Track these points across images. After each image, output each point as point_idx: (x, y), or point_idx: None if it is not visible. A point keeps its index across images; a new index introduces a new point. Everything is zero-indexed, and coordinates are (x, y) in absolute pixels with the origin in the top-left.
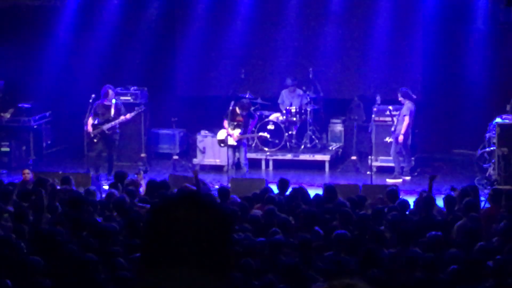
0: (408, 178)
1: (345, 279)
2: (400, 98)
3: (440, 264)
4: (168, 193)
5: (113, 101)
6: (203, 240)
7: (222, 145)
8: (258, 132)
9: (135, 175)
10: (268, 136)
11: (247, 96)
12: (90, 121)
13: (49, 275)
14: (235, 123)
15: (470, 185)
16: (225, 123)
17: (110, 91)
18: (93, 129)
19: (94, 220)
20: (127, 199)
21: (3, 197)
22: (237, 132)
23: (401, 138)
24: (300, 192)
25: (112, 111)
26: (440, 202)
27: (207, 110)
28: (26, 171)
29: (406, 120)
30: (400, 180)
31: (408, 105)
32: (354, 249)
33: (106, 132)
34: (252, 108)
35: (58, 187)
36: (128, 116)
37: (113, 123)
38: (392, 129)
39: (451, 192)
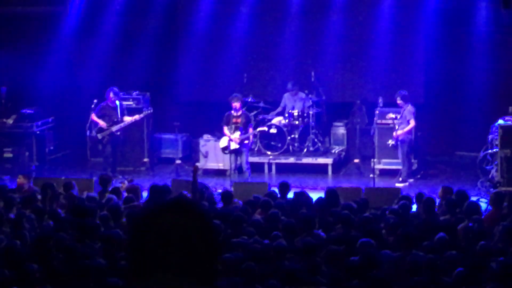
0: (411, 180)
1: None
2: (399, 102)
3: (444, 266)
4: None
5: (117, 102)
6: (189, 247)
7: (226, 151)
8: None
9: (120, 184)
10: (266, 129)
11: (249, 100)
12: (101, 122)
13: (52, 282)
14: (233, 126)
15: (459, 190)
16: (225, 129)
17: (111, 93)
18: (101, 132)
19: (97, 226)
20: (120, 204)
21: (7, 203)
22: (237, 134)
23: (395, 134)
24: (302, 197)
25: (118, 112)
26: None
27: (209, 114)
28: (20, 176)
29: (412, 123)
30: (407, 184)
31: (409, 109)
32: (357, 253)
33: (116, 134)
34: (255, 112)
35: (59, 192)
36: (138, 117)
37: (121, 124)
38: (394, 134)
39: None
